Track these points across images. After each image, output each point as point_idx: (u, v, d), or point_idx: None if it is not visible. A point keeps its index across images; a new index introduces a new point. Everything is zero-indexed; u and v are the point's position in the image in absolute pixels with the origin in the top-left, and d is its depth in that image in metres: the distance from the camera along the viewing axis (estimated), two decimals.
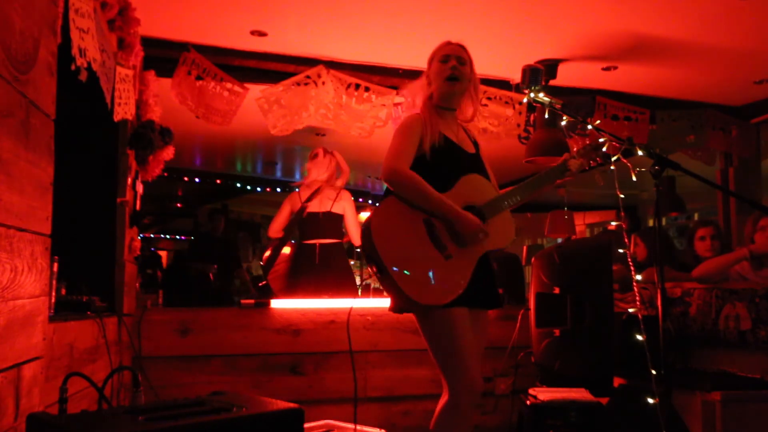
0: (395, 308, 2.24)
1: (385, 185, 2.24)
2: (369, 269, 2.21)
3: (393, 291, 2.13)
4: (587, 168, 2.37)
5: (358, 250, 6.35)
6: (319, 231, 4.13)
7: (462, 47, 2.36)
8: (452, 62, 2.30)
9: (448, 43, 2.36)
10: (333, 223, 4.17)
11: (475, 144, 2.41)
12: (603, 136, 2.38)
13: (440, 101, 2.34)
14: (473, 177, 2.27)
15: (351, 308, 2.63)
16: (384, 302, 3.72)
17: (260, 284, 4.07)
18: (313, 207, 4.14)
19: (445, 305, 2.11)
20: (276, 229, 4.23)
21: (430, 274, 2.12)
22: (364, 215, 4.58)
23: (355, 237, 4.24)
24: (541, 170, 2.40)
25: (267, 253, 4.37)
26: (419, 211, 2.16)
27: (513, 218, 2.34)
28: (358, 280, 4.86)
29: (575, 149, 2.40)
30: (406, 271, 2.09)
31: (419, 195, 2.15)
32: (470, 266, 2.18)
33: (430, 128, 2.24)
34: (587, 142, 2.38)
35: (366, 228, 2.14)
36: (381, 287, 2.26)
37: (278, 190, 7.86)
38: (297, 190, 4.33)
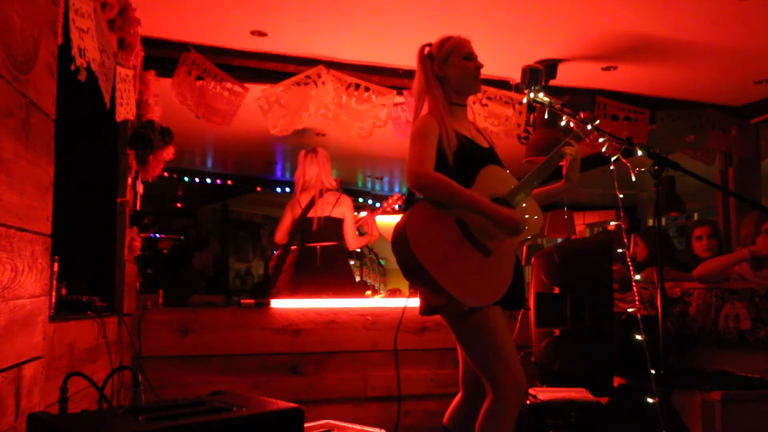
0: (426, 310, 2.22)
1: (408, 191, 2.23)
2: (414, 287, 2.17)
3: (441, 297, 2.08)
4: (584, 139, 2.38)
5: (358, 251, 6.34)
6: (320, 234, 4.15)
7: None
8: (477, 62, 2.30)
9: (465, 39, 2.33)
10: (333, 226, 4.19)
11: (487, 139, 2.41)
12: (603, 136, 2.39)
13: (456, 97, 2.32)
14: (492, 168, 2.25)
15: (405, 307, 2.60)
16: (383, 302, 3.73)
17: (271, 293, 4.08)
18: (314, 212, 4.16)
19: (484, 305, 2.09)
20: (281, 236, 4.27)
21: (475, 275, 2.10)
22: (363, 214, 4.59)
23: (351, 242, 4.25)
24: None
25: (272, 263, 4.39)
26: (449, 213, 2.14)
27: (538, 205, 2.32)
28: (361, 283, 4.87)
29: (573, 126, 2.40)
30: (451, 276, 2.05)
31: (450, 195, 2.12)
32: (510, 260, 2.18)
33: (446, 129, 2.22)
34: (576, 123, 2.38)
35: (402, 238, 2.08)
36: (423, 294, 2.21)
37: (278, 190, 7.87)
38: (294, 194, 4.34)
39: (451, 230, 2.12)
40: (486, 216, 2.12)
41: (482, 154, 2.29)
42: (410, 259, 2.05)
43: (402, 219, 2.15)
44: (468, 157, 2.22)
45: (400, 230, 2.10)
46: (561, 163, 2.37)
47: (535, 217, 2.28)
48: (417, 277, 2.10)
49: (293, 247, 4.25)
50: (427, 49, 2.34)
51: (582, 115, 2.41)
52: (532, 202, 2.30)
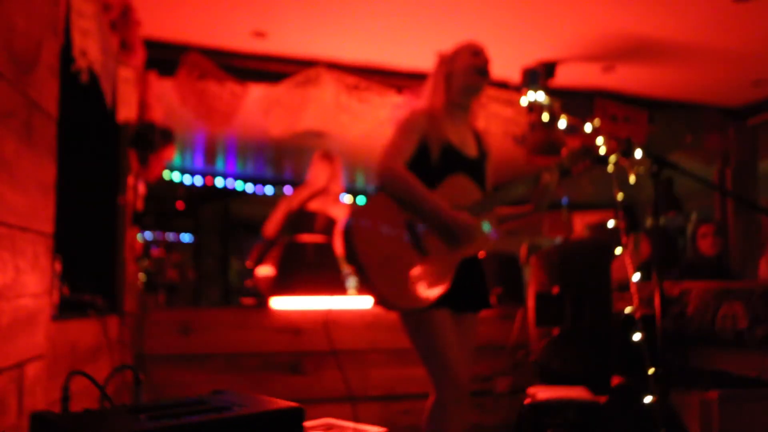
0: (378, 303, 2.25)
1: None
2: (349, 269, 2.19)
3: (373, 294, 2.12)
4: (573, 174, 2.34)
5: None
6: (314, 230, 4.14)
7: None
8: (484, 57, 2.30)
9: (477, 42, 2.34)
10: (326, 225, 4.18)
11: (482, 148, 2.39)
12: (601, 136, 2.39)
13: (459, 96, 2.30)
14: (460, 178, 2.24)
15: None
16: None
17: (247, 283, 4.06)
18: (312, 207, 4.15)
19: (425, 308, 2.12)
20: (271, 229, 4.23)
21: (409, 278, 2.11)
22: None
23: (339, 245, 4.22)
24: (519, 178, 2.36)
25: (255, 253, 4.36)
26: (401, 213, 2.13)
27: (497, 222, 2.31)
28: (351, 282, 4.87)
29: (564, 156, 2.38)
30: (385, 275, 2.07)
31: (413, 196, 2.11)
32: (450, 270, 2.16)
33: (437, 128, 2.22)
34: (576, 148, 2.35)
35: (346, 228, 2.09)
36: (361, 287, 2.25)
37: (278, 190, 7.88)
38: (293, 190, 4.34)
39: (399, 230, 2.12)
40: (443, 221, 2.11)
41: (460, 163, 2.26)
42: (351, 252, 2.07)
43: (353, 210, 2.17)
44: (444, 163, 2.21)
45: (348, 222, 2.11)
46: (537, 188, 2.32)
47: (483, 237, 2.25)
48: (356, 270, 2.11)
49: (279, 243, 4.22)
50: (441, 53, 2.37)
51: (576, 145, 2.37)
52: (493, 219, 2.29)
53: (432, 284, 2.13)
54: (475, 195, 2.26)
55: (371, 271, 2.07)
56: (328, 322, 3.43)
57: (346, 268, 4.38)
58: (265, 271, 4.20)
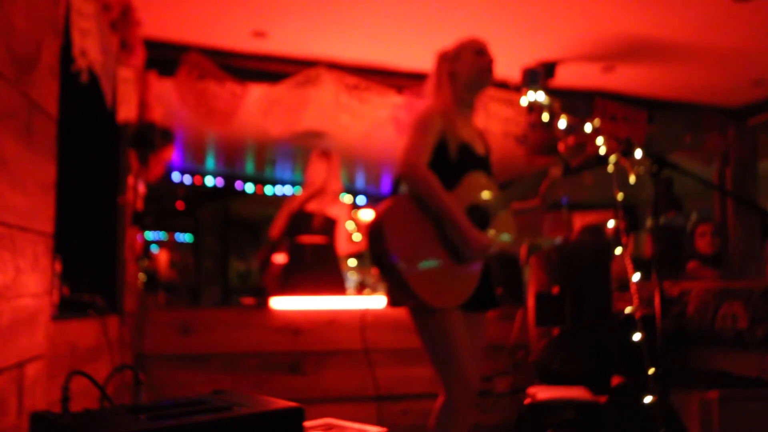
0: (392, 302, 2.24)
1: (394, 180, 2.23)
2: (373, 269, 2.18)
3: (402, 292, 2.10)
4: (572, 168, 2.37)
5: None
6: (312, 231, 4.14)
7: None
8: (489, 57, 2.30)
9: (478, 39, 2.34)
10: (326, 225, 4.17)
11: (486, 145, 2.41)
12: (601, 136, 2.40)
13: (465, 93, 2.31)
14: (477, 175, 2.26)
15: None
16: (383, 302, 3.73)
17: (259, 284, 4.08)
18: (310, 208, 4.15)
19: (446, 308, 2.12)
20: (275, 231, 4.25)
21: (444, 277, 2.12)
22: (364, 214, 4.58)
23: (342, 245, 4.23)
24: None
25: (262, 254, 4.38)
26: (428, 211, 2.15)
27: (514, 219, 2.34)
28: (350, 281, 4.86)
29: (561, 151, 2.41)
30: (420, 275, 2.07)
31: (433, 197, 2.11)
32: (479, 268, 2.19)
33: (452, 126, 2.23)
34: (570, 144, 2.39)
35: (378, 230, 2.08)
36: (386, 286, 2.22)
37: (277, 190, 7.89)
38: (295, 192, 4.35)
39: (429, 228, 2.12)
40: (459, 234, 2.11)
41: (475, 160, 2.29)
42: (383, 252, 2.05)
43: (382, 209, 2.14)
44: (462, 161, 2.23)
45: (378, 221, 2.09)
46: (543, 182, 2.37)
47: (508, 230, 2.29)
48: (386, 271, 2.10)
49: (284, 244, 4.23)
50: (441, 51, 2.37)
51: (571, 141, 2.40)
52: (508, 215, 2.31)
53: (464, 283, 2.15)
54: (493, 191, 2.28)
55: (407, 271, 2.05)
56: (365, 321, 3.41)
57: (346, 269, 4.36)
58: (279, 259, 4.21)
